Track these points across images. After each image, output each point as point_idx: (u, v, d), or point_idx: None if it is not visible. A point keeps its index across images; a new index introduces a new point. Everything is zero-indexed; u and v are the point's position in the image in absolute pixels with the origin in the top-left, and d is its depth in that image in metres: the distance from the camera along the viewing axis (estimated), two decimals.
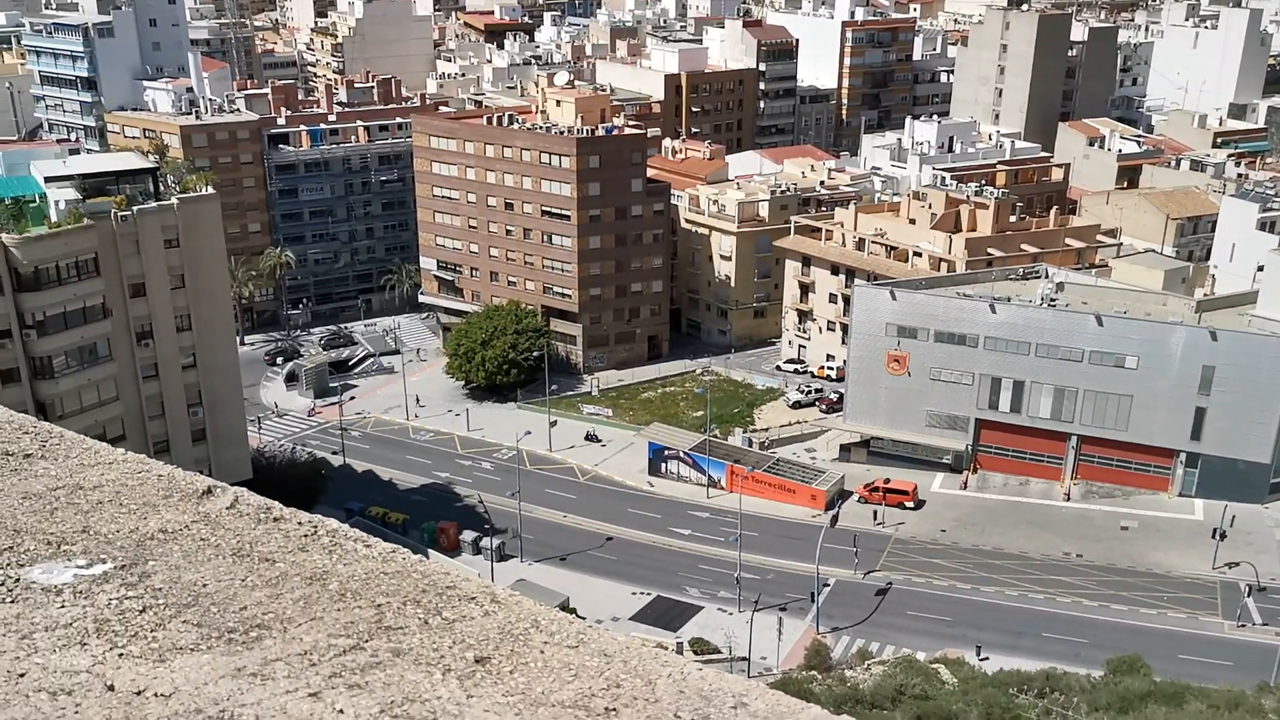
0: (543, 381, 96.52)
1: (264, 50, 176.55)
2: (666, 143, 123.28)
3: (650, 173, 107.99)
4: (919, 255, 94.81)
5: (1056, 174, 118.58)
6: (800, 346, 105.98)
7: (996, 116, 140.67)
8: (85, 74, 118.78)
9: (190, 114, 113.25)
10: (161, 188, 66.02)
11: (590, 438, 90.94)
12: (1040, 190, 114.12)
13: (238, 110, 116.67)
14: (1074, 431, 79.99)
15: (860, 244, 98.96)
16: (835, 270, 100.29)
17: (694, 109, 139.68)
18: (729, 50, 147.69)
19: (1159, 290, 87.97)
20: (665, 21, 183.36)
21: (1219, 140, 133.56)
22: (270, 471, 71.80)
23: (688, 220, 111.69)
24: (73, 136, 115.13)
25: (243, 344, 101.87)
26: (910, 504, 78.65)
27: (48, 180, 62.57)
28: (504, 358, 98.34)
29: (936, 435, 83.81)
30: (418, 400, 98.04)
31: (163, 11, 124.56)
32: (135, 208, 62.27)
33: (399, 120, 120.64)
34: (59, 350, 59.58)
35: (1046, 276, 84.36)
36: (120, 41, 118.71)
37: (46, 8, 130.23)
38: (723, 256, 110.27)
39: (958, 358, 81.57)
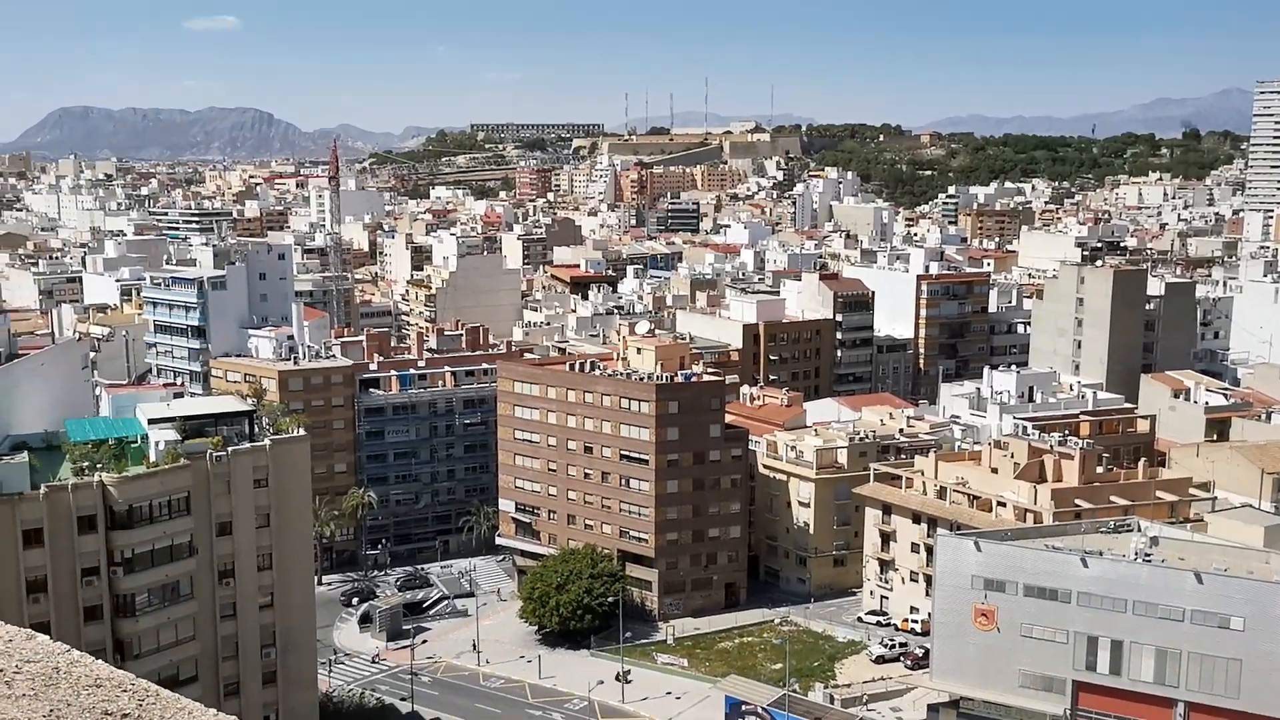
0: (617, 628, 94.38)
1: (362, 300, 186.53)
2: (745, 389, 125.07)
3: (728, 419, 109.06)
4: (1003, 505, 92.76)
5: (1142, 426, 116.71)
6: (883, 597, 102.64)
7: (1076, 367, 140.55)
8: (196, 323, 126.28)
9: (289, 360, 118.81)
10: (256, 429, 68.53)
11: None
12: (1126, 442, 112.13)
13: (333, 356, 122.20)
14: (1180, 698, 74.79)
15: (942, 492, 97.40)
16: (917, 519, 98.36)
17: (772, 357, 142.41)
18: (806, 301, 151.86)
19: (1260, 547, 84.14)
20: (744, 274, 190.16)
21: None
22: (337, 718, 70.22)
23: (766, 466, 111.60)
24: (179, 380, 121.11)
25: (320, 583, 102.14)
26: None
27: (151, 422, 65.43)
28: (579, 603, 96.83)
29: (1032, 697, 79.02)
30: (474, 647, 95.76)
31: (272, 266, 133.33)
32: (230, 448, 64.54)
33: (485, 366, 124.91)
34: (142, 588, 60.42)
35: (1139, 530, 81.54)
36: (231, 293, 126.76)
37: (167, 263, 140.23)
38: (801, 503, 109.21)
39: (1050, 614, 77.99)
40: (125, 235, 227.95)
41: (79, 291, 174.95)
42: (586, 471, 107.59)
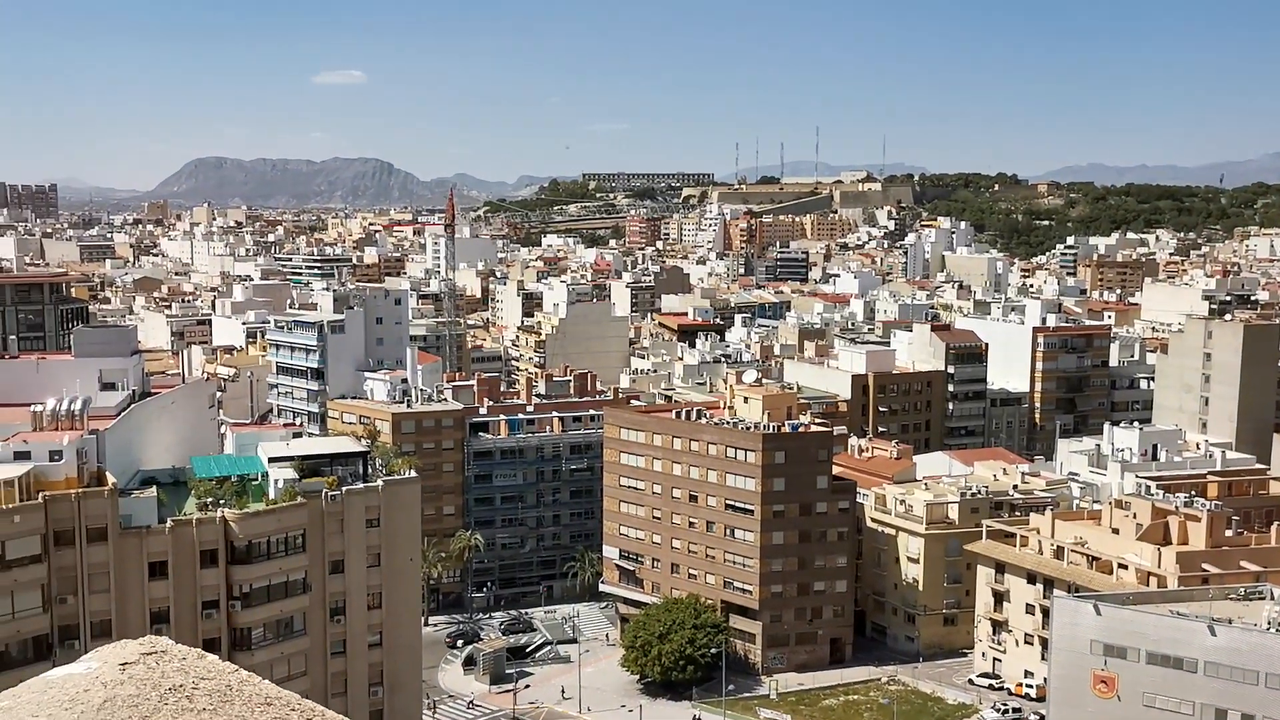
0: (719, 680, 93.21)
1: (474, 345, 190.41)
2: (853, 441, 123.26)
3: (836, 470, 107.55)
4: (1124, 568, 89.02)
5: (1275, 487, 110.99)
6: (995, 659, 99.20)
7: (1204, 425, 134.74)
8: (315, 365, 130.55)
9: (402, 402, 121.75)
10: (370, 470, 70.26)
11: None
12: (1257, 504, 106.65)
13: (445, 399, 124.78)
14: None
15: (1059, 553, 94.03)
16: (1032, 579, 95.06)
17: (881, 409, 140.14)
18: (917, 352, 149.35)
19: None
20: (853, 324, 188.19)
21: None
22: None
23: (873, 519, 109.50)
24: (298, 420, 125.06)
25: (426, 624, 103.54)
26: None
27: (271, 460, 67.66)
28: (681, 653, 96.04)
29: None
30: (563, 694, 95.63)
31: (389, 311, 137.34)
32: (344, 488, 66.28)
33: (592, 412, 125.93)
34: (259, 622, 62.16)
35: (1272, 598, 77.27)
36: (349, 337, 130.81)
37: (290, 307, 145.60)
38: (910, 558, 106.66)
39: (1174, 684, 74.28)
40: (252, 280, 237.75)
41: (208, 333, 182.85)
42: (691, 520, 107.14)
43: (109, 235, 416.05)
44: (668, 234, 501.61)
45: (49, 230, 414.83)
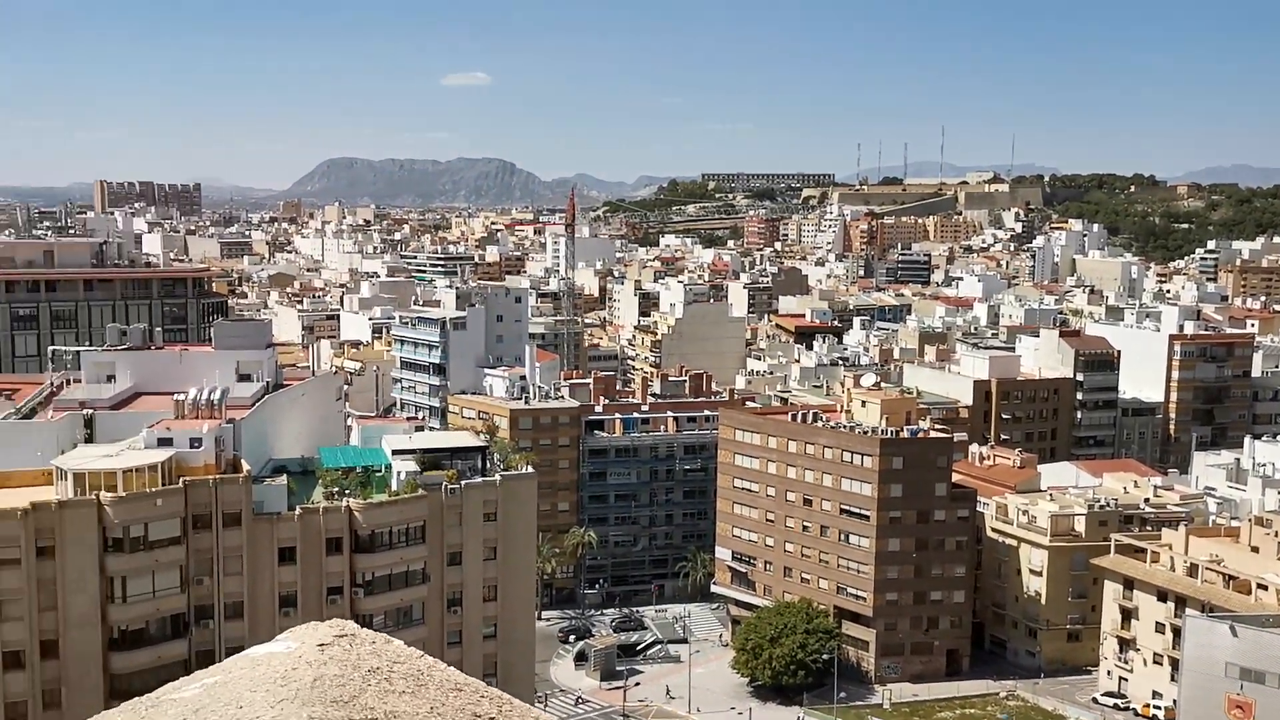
0: (831, 686, 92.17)
1: (591, 344, 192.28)
2: (974, 448, 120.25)
3: (956, 478, 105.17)
4: (1264, 588, 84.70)
5: None
6: (1121, 678, 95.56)
7: None
8: (437, 361, 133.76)
9: (520, 399, 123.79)
10: (488, 465, 71.68)
11: None
12: None
13: (562, 397, 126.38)
14: None
15: (1193, 570, 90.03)
16: (1163, 597, 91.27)
17: (1004, 416, 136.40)
18: (1044, 359, 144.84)
19: None
20: (976, 328, 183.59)
21: None
22: None
23: (994, 530, 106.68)
24: (419, 415, 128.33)
25: (539, 618, 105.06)
26: None
27: (394, 453, 69.61)
28: (792, 657, 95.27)
29: None
30: (667, 691, 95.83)
31: (509, 309, 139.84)
32: (463, 482, 67.77)
33: (706, 412, 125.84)
34: (380, 610, 64.03)
35: None
36: (470, 334, 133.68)
37: (414, 304, 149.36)
38: (1032, 571, 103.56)
39: None
40: (378, 277, 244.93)
41: (336, 328, 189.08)
42: (805, 524, 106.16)
43: (247, 233, 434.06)
44: (786, 235, 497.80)
45: (192, 228, 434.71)
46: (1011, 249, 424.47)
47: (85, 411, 66.58)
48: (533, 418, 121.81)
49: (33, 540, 56.54)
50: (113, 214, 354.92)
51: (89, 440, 64.44)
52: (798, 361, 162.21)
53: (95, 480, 58.23)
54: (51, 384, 75.31)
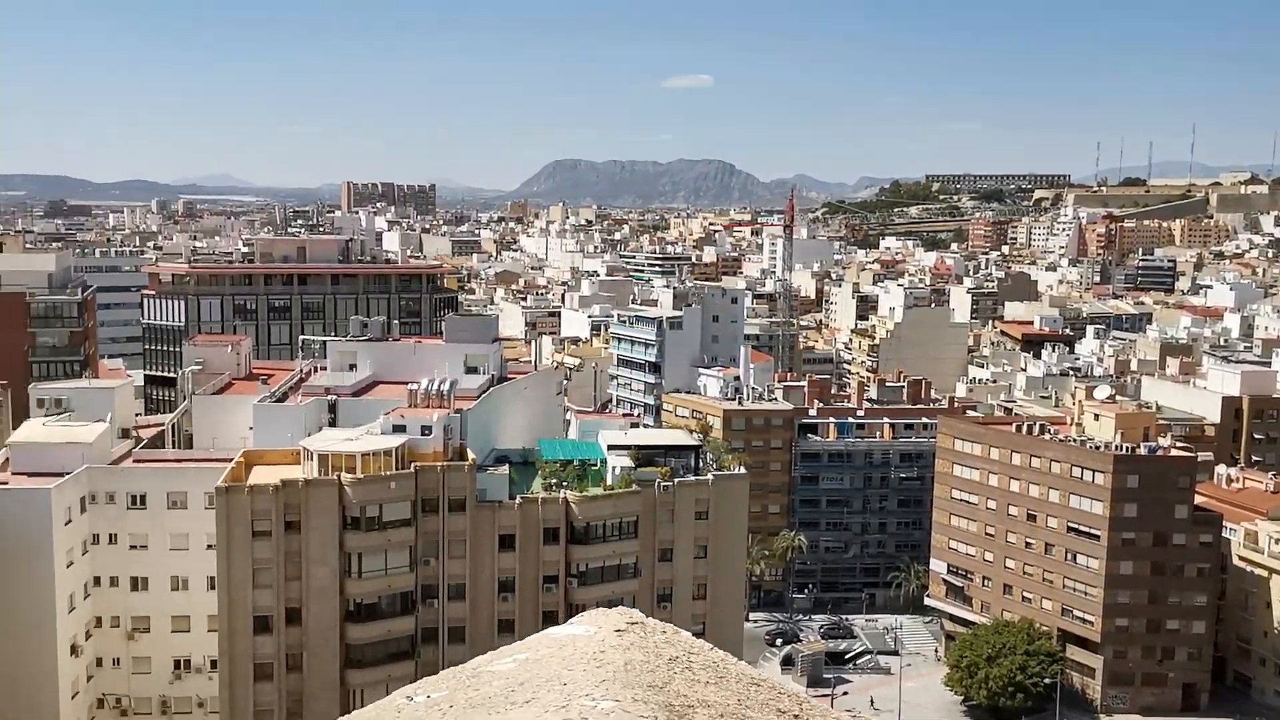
0: (1052, 713, 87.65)
1: (806, 346, 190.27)
2: (1220, 470, 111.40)
3: (1198, 500, 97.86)
4: None
5: None
6: None
7: None
8: (653, 359, 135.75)
9: (734, 399, 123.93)
10: (701, 463, 72.12)
11: None
12: None
13: (775, 399, 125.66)
14: None
15: None
16: None
17: (1256, 436, 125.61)
18: None
19: None
20: (1227, 340, 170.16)
21: None
22: None
23: (1242, 558, 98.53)
24: (634, 411, 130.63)
25: (747, 620, 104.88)
26: None
27: (610, 448, 71.11)
28: (1011, 679, 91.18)
29: None
30: (871, 702, 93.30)
31: (726, 310, 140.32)
32: (676, 479, 68.48)
33: (925, 420, 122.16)
34: (593, 601, 65.42)
35: None
36: (686, 333, 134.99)
37: (632, 303, 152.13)
38: None
39: None
40: (598, 275, 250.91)
41: (557, 325, 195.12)
42: (1028, 541, 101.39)
43: (476, 231, 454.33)
44: (1014, 238, 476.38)
45: (427, 226, 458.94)
46: (1270, 255, 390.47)
47: (330, 397, 71.51)
48: (746, 418, 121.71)
49: (281, 515, 61.16)
50: (357, 213, 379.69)
51: (332, 424, 69.14)
52: (1024, 370, 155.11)
53: (337, 461, 62.40)
54: (301, 370, 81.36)
